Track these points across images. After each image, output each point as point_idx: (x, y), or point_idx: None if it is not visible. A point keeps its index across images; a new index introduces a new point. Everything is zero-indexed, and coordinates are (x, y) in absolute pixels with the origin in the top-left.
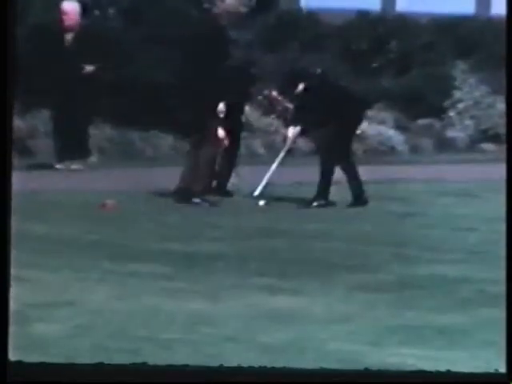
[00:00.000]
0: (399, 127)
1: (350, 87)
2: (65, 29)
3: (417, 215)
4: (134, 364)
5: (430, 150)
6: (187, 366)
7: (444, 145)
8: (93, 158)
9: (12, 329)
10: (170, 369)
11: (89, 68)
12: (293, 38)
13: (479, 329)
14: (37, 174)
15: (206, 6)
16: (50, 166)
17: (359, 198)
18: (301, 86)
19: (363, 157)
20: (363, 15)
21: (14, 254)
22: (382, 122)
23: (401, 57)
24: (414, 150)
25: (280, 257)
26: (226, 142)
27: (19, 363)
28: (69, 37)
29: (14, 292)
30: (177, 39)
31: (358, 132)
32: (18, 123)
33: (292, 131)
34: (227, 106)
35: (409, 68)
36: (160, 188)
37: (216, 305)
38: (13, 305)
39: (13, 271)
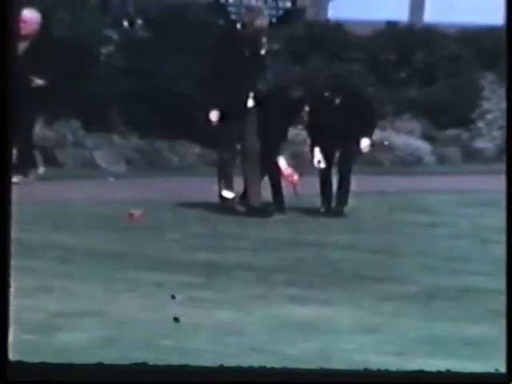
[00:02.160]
0: (427, 137)
1: (363, 94)
2: (21, 37)
3: (444, 226)
4: (134, 364)
5: (457, 161)
6: (187, 365)
7: (472, 155)
8: (40, 170)
9: (38, 338)
10: (170, 369)
11: (38, 81)
12: (320, 49)
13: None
14: (64, 184)
15: (233, 17)
16: (76, 176)
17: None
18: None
19: (390, 167)
20: (391, 26)
21: (41, 264)
22: (409, 133)
23: (428, 67)
24: (442, 160)
25: (306, 267)
26: (296, 178)
27: (19, 363)
28: (22, 46)
29: (40, 301)
30: (204, 50)
31: (386, 143)
32: (45, 132)
33: (318, 153)
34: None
35: (436, 78)
36: (187, 198)
37: (243, 315)
38: (39, 314)
39: (39, 281)
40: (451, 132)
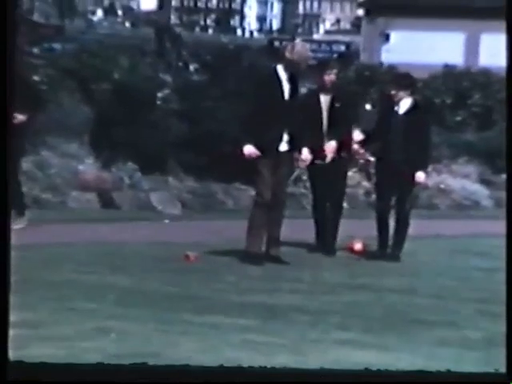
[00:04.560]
0: (484, 181)
1: None
2: None
3: (502, 270)
4: (134, 364)
5: None
6: (187, 365)
7: None
8: (28, 215)
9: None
10: (170, 369)
11: (20, 117)
12: (373, 91)
13: None
14: (122, 226)
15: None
16: (133, 219)
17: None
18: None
19: (448, 211)
20: (447, 69)
21: (98, 306)
22: (466, 176)
23: (484, 111)
24: (499, 204)
25: (362, 311)
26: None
27: (19, 363)
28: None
29: (98, 343)
30: (252, 94)
31: (442, 186)
32: (104, 175)
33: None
34: None
35: (493, 122)
36: (242, 240)
37: (299, 359)
38: (97, 355)
39: (96, 322)
40: None
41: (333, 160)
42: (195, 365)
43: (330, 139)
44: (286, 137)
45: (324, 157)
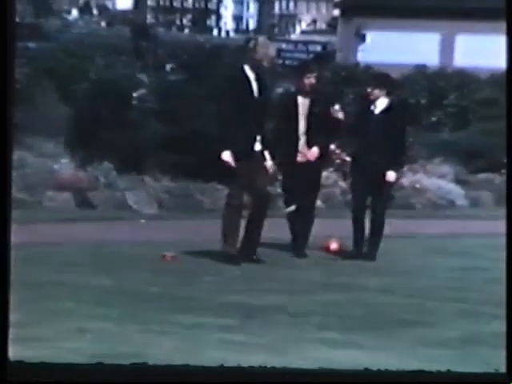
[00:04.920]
0: (459, 181)
1: None
2: None
3: (479, 269)
4: (134, 364)
5: (490, 205)
6: (187, 365)
7: (504, 199)
8: None
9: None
10: (170, 369)
11: None
12: (349, 92)
13: None
14: (98, 226)
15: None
16: (109, 218)
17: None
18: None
19: (423, 211)
20: (423, 69)
21: (77, 306)
22: (441, 176)
23: (460, 111)
24: (475, 204)
25: (340, 311)
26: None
27: (19, 363)
28: None
29: (77, 343)
30: (224, 94)
31: (417, 186)
32: (79, 174)
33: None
34: None
35: (468, 122)
36: (219, 240)
37: (278, 358)
38: (77, 356)
39: (76, 323)
40: (483, 176)
41: (307, 162)
42: (195, 365)
43: (311, 144)
44: (258, 136)
45: (295, 161)
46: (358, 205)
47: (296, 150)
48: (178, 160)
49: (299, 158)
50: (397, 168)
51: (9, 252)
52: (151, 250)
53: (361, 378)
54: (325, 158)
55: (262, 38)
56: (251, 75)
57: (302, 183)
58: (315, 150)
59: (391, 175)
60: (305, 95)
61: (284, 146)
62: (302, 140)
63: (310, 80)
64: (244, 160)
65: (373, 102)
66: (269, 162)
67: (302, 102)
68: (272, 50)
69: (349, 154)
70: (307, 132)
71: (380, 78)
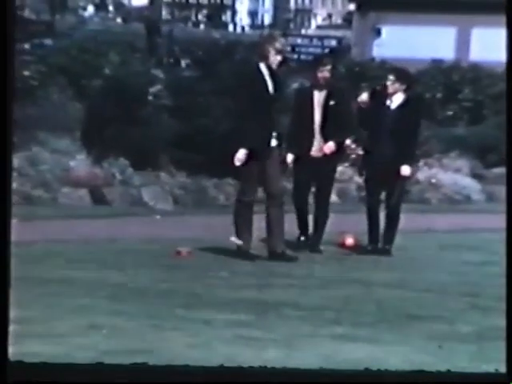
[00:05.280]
0: (475, 175)
1: None
2: None
3: (494, 264)
4: (134, 364)
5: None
6: (187, 366)
7: None
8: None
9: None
10: (170, 369)
11: None
12: (364, 87)
13: None
14: (113, 222)
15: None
16: (125, 215)
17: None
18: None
19: (438, 205)
20: (438, 63)
21: (93, 302)
22: (457, 170)
23: (475, 105)
24: (491, 198)
25: (354, 306)
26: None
27: (19, 363)
28: None
29: (90, 339)
30: (240, 90)
31: (433, 180)
32: (95, 171)
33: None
34: None
35: (484, 116)
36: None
37: (291, 354)
38: (90, 352)
39: (90, 319)
40: (499, 170)
41: (322, 157)
42: (195, 365)
43: (326, 138)
44: (274, 133)
45: (309, 155)
46: (372, 199)
47: (311, 145)
48: (194, 156)
49: (314, 153)
50: (410, 162)
51: (9, 252)
52: (166, 246)
53: (361, 378)
54: (340, 153)
55: (269, 33)
56: (265, 71)
57: (316, 178)
58: (331, 144)
59: (406, 169)
60: (320, 89)
61: (299, 141)
62: (318, 134)
63: (324, 74)
64: (260, 156)
65: (389, 96)
66: (290, 156)
67: (318, 96)
68: (279, 45)
69: (363, 149)
70: (322, 126)
71: (400, 72)
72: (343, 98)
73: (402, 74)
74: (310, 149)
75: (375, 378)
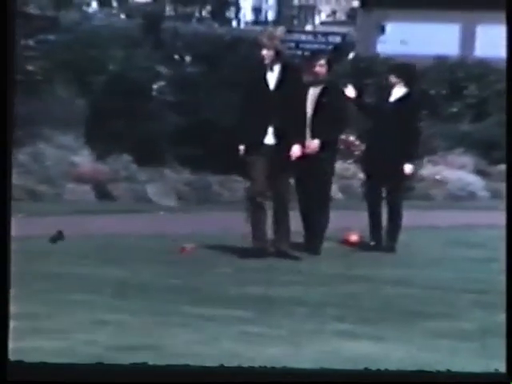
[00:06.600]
0: (479, 172)
1: None
2: None
3: (498, 261)
4: (134, 364)
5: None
6: (187, 365)
7: None
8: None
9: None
10: (170, 369)
11: None
12: (369, 83)
13: None
14: (118, 218)
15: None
16: (129, 211)
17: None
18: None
19: (443, 202)
20: (443, 60)
21: (97, 298)
22: (461, 167)
23: (480, 101)
24: (495, 195)
25: (358, 302)
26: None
27: (19, 363)
28: None
29: (96, 335)
30: (242, 85)
31: (438, 177)
32: (99, 167)
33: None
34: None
35: (489, 113)
36: (238, 232)
37: (295, 350)
38: (95, 348)
39: (94, 315)
40: (504, 167)
41: (316, 157)
42: (195, 365)
43: (314, 136)
44: (271, 129)
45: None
46: (372, 195)
47: (303, 143)
48: (198, 152)
49: (295, 151)
50: (410, 160)
51: (8, 252)
52: (170, 242)
53: (361, 378)
54: (333, 150)
55: (268, 29)
56: (268, 68)
57: (306, 178)
58: (315, 143)
59: (408, 168)
60: (316, 85)
61: (291, 138)
62: (307, 131)
63: (321, 69)
64: (254, 153)
65: (389, 89)
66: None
67: (312, 93)
68: (266, 40)
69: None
70: (312, 123)
71: (397, 67)
72: (338, 95)
73: (399, 68)
74: (303, 145)
75: (376, 377)
